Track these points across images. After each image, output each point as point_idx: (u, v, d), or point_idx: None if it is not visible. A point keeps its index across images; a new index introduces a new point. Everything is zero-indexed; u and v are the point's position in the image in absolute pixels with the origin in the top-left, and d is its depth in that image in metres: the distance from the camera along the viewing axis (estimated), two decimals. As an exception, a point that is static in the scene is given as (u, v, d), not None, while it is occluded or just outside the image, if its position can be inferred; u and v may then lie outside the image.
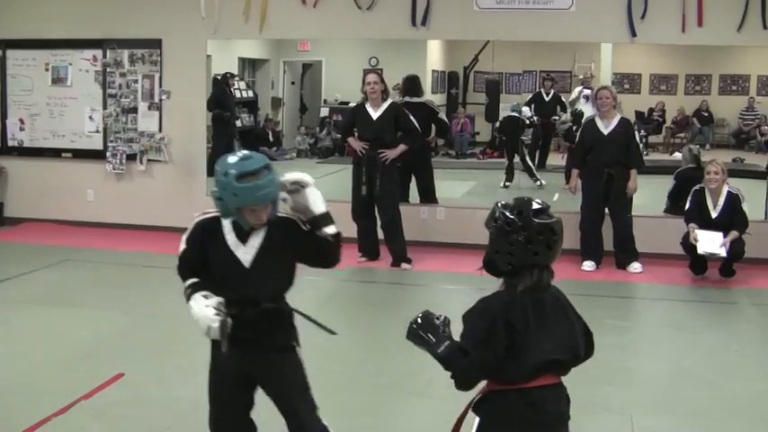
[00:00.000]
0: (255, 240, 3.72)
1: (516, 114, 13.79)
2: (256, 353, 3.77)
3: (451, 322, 3.21)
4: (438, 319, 3.24)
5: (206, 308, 3.61)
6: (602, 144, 9.16)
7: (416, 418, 5.28)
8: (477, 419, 3.25)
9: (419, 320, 3.24)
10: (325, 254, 3.83)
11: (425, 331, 3.20)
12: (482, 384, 3.21)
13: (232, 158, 3.58)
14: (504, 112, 15.41)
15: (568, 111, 14.40)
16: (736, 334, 7.31)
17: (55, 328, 6.95)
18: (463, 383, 3.16)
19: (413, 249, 9.35)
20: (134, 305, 7.71)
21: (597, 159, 9.17)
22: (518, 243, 3.06)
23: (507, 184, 13.10)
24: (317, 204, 3.75)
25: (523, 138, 14.09)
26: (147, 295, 8.03)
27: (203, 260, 3.79)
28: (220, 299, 3.64)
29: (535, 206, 3.10)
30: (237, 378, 3.82)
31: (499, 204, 3.16)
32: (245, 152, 3.64)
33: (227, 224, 3.73)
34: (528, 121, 13.97)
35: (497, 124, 14.54)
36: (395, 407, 5.47)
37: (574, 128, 13.93)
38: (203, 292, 3.68)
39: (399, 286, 8.71)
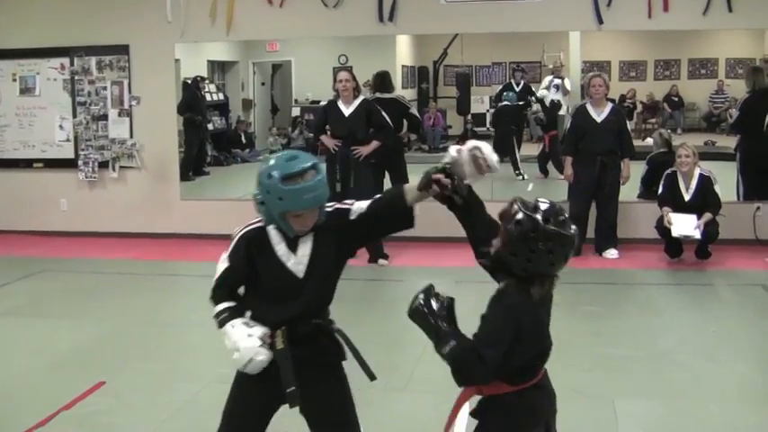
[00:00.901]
0: (305, 248, 3.39)
1: (508, 103, 13.84)
2: (306, 373, 3.42)
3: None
4: (440, 300, 3.14)
5: (249, 338, 3.29)
6: (596, 132, 9.18)
7: (398, 413, 5.28)
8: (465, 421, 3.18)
9: (432, 305, 3.13)
10: (400, 222, 3.59)
11: (435, 318, 3.09)
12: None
13: (276, 159, 3.27)
14: (476, 104, 15.48)
15: (536, 100, 14.47)
16: (713, 316, 7.36)
17: (33, 340, 6.91)
18: (467, 383, 3.12)
19: (389, 245, 9.34)
20: (112, 313, 7.67)
21: (590, 147, 9.18)
22: (539, 251, 2.94)
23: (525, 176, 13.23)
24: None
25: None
26: (125, 302, 8.01)
27: (250, 278, 3.44)
28: (266, 329, 3.34)
29: (562, 217, 2.98)
30: (268, 399, 3.47)
31: (523, 205, 3.00)
32: (291, 151, 3.31)
33: (274, 234, 3.38)
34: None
35: (490, 117, 14.54)
36: (376, 402, 5.46)
37: (543, 119, 14.01)
38: (243, 319, 3.37)
39: (377, 282, 8.71)
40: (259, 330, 3.31)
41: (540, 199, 3.02)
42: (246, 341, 3.28)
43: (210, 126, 14.90)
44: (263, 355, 3.28)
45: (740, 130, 10.28)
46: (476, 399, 3.17)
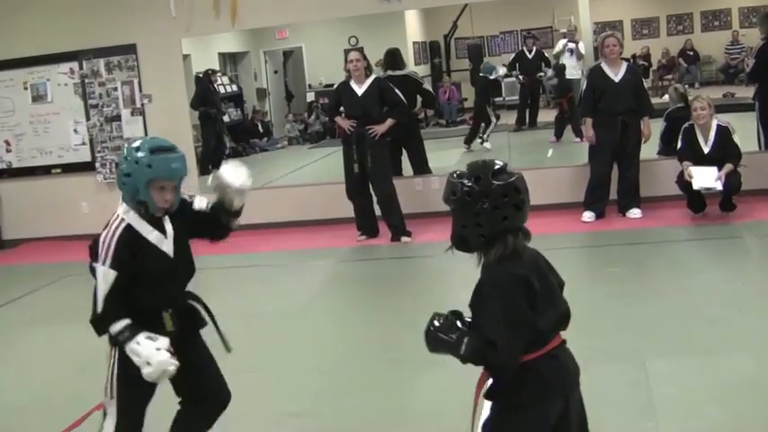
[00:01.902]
0: (168, 227, 3.73)
1: (486, 75, 13.77)
2: (189, 340, 3.83)
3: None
4: (442, 317, 3.05)
5: (158, 351, 3.48)
6: (615, 92, 9.09)
7: (430, 389, 5.25)
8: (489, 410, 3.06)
9: (435, 324, 3.03)
10: (221, 227, 4.04)
11: (445, 332, 2.99)
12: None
13: (142, 139, 3.68)
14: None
15: (551, 65, 14.34)
16: (740, 268, 7.29)
17: (62, 345, 6.92)
18: (503, 370, 2.98)
19: (411, 222, 9.32)
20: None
21: (610, 107, 9.07)
22: (484, 211, 2.88)
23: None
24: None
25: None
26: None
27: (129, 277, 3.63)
28: (166, 339, 3.55)
29: (493, 167, 2.92)
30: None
31: (454, 175, 2.97)
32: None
33: (142, 224, 3.66)
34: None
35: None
36: (408, 380, 5.45)
37: (556, 80, 13.90)
38: (145, 333, 3.54)
39: (402, 260, 8.69)
40: (164, 342, 3.50)
41: (472, 161, 2.99)
42: (157, 355, 3.46)
43: (226, 118, 14.90)
44: (173, 366, 3.49)
45: (757, 79, 10.13)
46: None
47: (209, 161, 12.55)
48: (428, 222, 9.44)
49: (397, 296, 7.32)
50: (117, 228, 3.61)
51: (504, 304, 2.89)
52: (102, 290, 3.57)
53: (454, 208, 2.96)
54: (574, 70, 13.99)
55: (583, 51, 13.76)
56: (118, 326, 3.55)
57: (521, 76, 14.34)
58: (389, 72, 10.51)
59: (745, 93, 14.43)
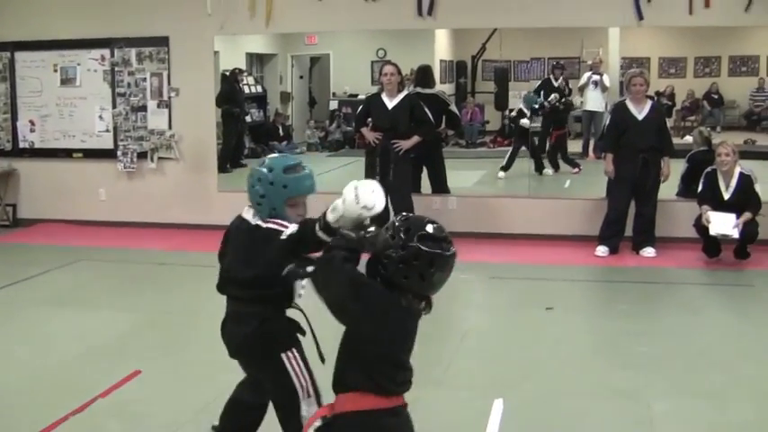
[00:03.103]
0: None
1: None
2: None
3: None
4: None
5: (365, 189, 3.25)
6: (637, 129, 9.12)
7: (433, 407, 5.27)
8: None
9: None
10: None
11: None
12: None
13: (269, 159, 3.88)
14: (514, 100, 15.40)
15: (574, 96, 14.39)
16: (752, 316, 7.29)
17: (71, 328, 6.99)
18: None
19: (425, 240, 9.34)
20: (149, 303, 7.75)
21: (632, 144, 9.10)
22: (390, 258, 2.91)
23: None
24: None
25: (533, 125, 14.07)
26: (162, 293, 8.08)
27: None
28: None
29: (428, 230, 2.95)
30: None
31: (401, 217, 3.02)
32: (276, 153, 3.87)
33: None
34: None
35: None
36: (410, 395, 5.46)
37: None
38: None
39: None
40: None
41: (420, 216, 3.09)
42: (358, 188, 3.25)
43: (248, 118, 14.95)
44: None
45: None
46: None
47: (227, 160, 12.60)
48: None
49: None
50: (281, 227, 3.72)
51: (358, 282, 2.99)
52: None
53: (382, 237, 2.98)
54: (597, 102, 14.05)
55: (608, 84, 13.82)
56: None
57: (546, 104, 14.35)
58: (418, 89, 10.54)
59: (767, 140, 14.48)
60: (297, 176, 3.80)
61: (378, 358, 3.03)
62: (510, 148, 13.57)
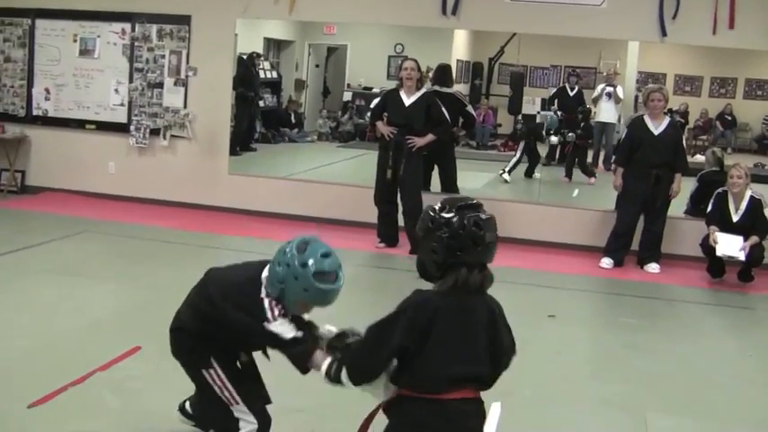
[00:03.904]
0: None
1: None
2: None
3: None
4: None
5: None
6: (653, 145, 9.10)
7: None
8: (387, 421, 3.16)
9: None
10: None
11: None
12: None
13: (311, 248, 3.48)
14: (527, 105, 15.43)
15: (592, 108, 14.40)
16: (752, 339, 7.30)
17: (73, 299, 6.98)
18: (352, 372, 3.14)
19: (431, 238, 9.35)
20: (152, 279, 7.74)
21: (646, 159, 9.09)
22: (440, 240, 2.96)
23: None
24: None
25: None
26: (166, 270, 8.06)
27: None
28: None
29: (462, 203, 3.02)
30: None
31: (430, 206, 3.08)
32: (325, 247, 3.51)
33: None
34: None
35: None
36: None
37: (583, 125, 13.97)
38: None
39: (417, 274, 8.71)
40: None
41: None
42: None
43: (262, 103, 14.95)
44: None
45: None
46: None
47: (238, 143, 12.61)
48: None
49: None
50: (275, 301, 3.60)
51: (389, 320, 3.02)
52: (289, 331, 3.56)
53: (419, 235, 3.06)
54: (610, 114, 14.05)
55: (621, 96, 13.83)
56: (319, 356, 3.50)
57: (559, 113, 14.36)
58: (436, 87, 10.55)
59: (777, 165, 14.48)
60: (323, 289, 3.45)
61: None
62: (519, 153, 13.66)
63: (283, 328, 3.52)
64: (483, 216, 3.00)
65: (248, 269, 3.76)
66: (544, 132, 13.98)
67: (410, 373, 2.99)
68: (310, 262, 3.42)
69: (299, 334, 3.52)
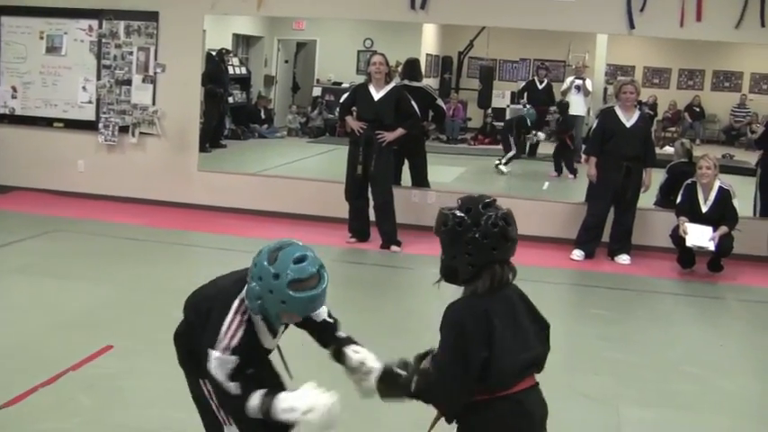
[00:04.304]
0: (280, 328, 3.49)
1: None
2: None
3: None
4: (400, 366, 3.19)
5: (319, 396, 3.17)
6: (624, 137, 9.12)
7: (406, 406, 5.27)
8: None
9: (383, 377, 3.21)
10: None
11: (393, 383, 3.16)
12: None
13: (283, 256, 3.11)
14: (497, 99, 15.49)
15: (555, 102, 14.52)
16: (722, 329, 7.37)
17: (43, 299, 6.93)
18: (449, 407, 3.04)
19: (403, 232, 9.36)
20: (122, 278, 7.69)
21: (617, 151, 9.11)
22: (474, 241, 2.94)
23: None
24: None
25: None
26: (136, 268, 8.02)
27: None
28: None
29: (484, 201, 3.01)
30: None
31: (445, 209, 3.05)
32: (298, 247, 3.17)
33: (260, 325, 3.34)
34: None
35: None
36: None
37: (560, 118, 14.02)
38: (283, 393, 3.25)
39: (389, 268, 8.72)
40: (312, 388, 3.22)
41: (460, 198, 3.07)
42: (321, 399, 3.16)
43: (231, 99, 14.93)
44: (329, 399, 3.18)
45: (764, 146, 10.23)
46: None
47: (207, 139, 12.57)
48: (420, 235, 9.47)
49: (378, 303, 7.34)
50: (241, 324, 3.26)
51: (455, 344, 2.94)
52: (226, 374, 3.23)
53: (444, 239, 3.02)
54: (579, 107, 14.13)
55: (590, 88, 13.91)
56: (255, 399, 3.19)
57: (528, 106, 14.43)
58: (406, 82, 10.56)
59: (744, 156, 14.62)
60: (301, 298, 3.10)
61: None
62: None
63: (223, 369, 3.22)
64: (505, 210, 3.01)
65: (227, 281, 3.48)
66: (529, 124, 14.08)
67: (481, 379, 2.95)
68: (283, 272, 3.08)
69: (238, 390, 3.22)
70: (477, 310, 2.95)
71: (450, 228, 2.98)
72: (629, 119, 9.16)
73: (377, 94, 9.18)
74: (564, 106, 13.91)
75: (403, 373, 3.15)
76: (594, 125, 9.56)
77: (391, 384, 3.17)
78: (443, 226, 3.00)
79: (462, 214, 2.97)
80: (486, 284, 2.97)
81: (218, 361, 3.20)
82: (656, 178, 9.79)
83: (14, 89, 11.32)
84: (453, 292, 3.14)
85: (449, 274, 3.07)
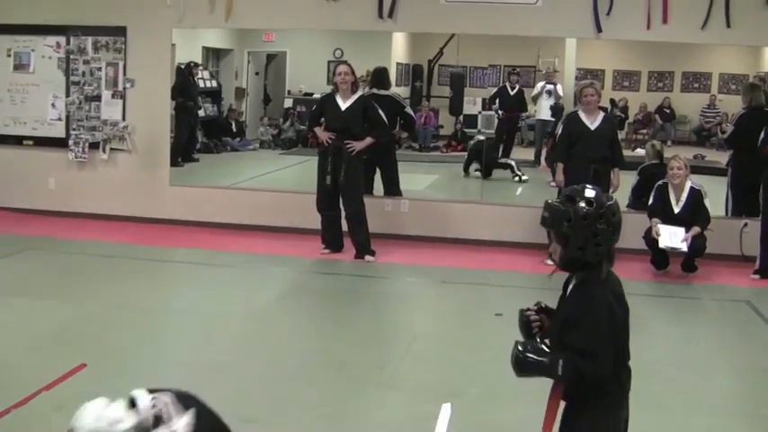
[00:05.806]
0: None
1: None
2: None
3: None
4: (531, 322, 3.54)
5: None
6: (589, 139, 9.14)
7: (381, 410, 5.28)
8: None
9: (522, 349, 3.36)
10: None
11: (537, 355, 3.29)
12: None
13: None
14: (468, 106, 15.48)
15: (532, 106, 14.52)
16: (698, 329, 7.40)
17: (14, 318, 6.87)
18: (599, 381, 3.21)
19: (377, 241, 9.33)
20: (96, 295, 7.63)
21: (583, 154, 9.12)
22: (602, 231, 3.12)
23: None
24: None
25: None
26: (109, 286, 7.97)
27: None
28: None
29: (597, 190, 3.20)
30: None
31: (556, 202, 3.21)
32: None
33: None
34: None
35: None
36: (359, 398, 5.47)
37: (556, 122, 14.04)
38: None
39: (363, 278, 8.69)
40: None
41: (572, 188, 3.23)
42: None
43: (202, 113, 14.85)
44: None
45: (733, 146, 10.28)
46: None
47: (179, 153, 12.51)
48: (393, 244, 9.47)
49: (352, 312, 7.33)
50: None
51: (608, 319, 3.18)
52: None
53: (567, 231, 3.15)
54: (550, 111, 14.16)
55: (561, 93, 13.94)
56: None
57: (500, 112, 14.45)
58: (374, 90, 10.55)
59: (716, 156, 14.69)
60: None
61: None
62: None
63: None
64: (613, 200, 3.23)
65: None
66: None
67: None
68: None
69: None
70: (608, 297, 3.21)
71: (576, 221, 3.13)
72: (593, 121, 9.19)
73: (344, 103, 9.16)
74: (559, 110, 13.94)
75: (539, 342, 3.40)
76: (560, 131, 9.59)
77: (532, 363, 3.34)
78: (567, 221, 3.14)
79: (586, 206, 3.13)
80: (605, 272, 3.21)
81: None
82: (627, 180, 9.83)
83: (-18, 108, 11.24)
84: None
85: (567, 265, 3.27)
